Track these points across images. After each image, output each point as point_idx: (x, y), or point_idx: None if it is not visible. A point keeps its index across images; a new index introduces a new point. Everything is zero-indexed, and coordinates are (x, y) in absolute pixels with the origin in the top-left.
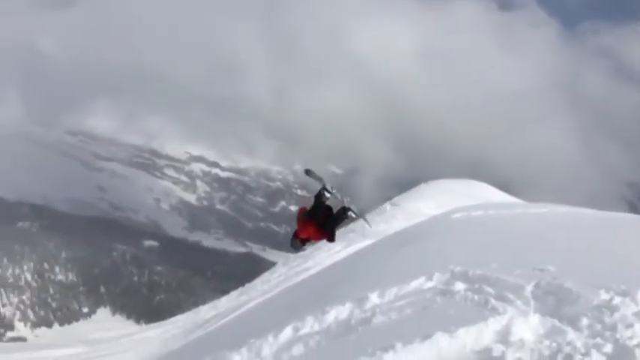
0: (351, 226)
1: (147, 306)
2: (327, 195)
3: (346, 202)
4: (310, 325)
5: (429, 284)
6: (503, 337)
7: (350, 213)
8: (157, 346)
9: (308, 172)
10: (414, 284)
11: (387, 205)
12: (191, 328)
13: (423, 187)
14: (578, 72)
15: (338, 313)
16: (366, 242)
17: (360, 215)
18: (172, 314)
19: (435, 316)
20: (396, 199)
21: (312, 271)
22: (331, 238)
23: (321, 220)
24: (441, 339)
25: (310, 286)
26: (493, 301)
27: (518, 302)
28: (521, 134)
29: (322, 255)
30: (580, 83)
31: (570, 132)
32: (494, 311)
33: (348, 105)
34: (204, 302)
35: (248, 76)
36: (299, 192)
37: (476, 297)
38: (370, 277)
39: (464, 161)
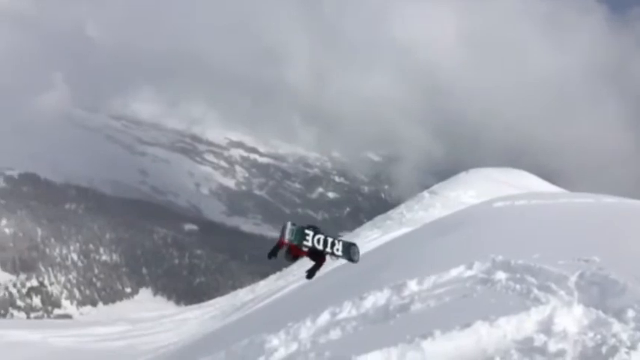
0: (388, 213)
1: (187, 288)
2: (304, 249)
3: (327, 251)
4: (348, 310)
5: (469, 273)
6: (546, 327)
7: (331, 257)
8: (196, 327)
9: (284, 229)
10: (454, 272)
11: (426, 193)
12: (229, 311)
13: (463, 175)
14: (628, 58)
15: (376, 299)
16: (403, 230)
17: (344, 254)
18: (211, 297)
19: (474, 305)
20: (435, 187)
21: None
22: (311, 274)
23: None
24: (480, 327)
25: (348, 272)
26: (535, 291)
27: (562, 293)
28: (567, 122)
29: (359, 242)
30: (630, 70)
31: (618, 120)
32: (537, 301)
33: (388, 91)
34: (242, 285)
35: (288, 62)
36: (337, 179)
37: (518, 286)
38: (408, 265)
39: (506, 149)
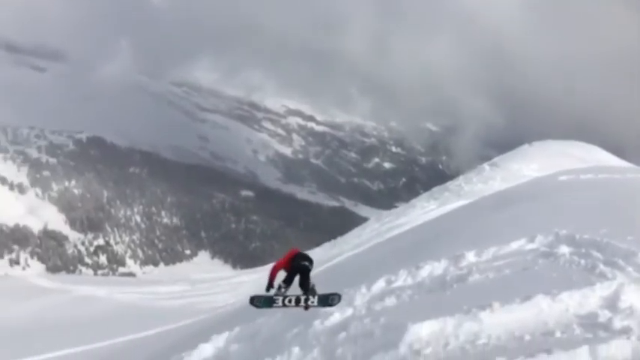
0: (446, 184)
1: (243, 252)
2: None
3: (301, 305)
4: (403, 278)
5: (531, 246)
6: (611, 303)
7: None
8: (251, 290)
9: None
10: (514, 245)
11: (486, 165)
12: (284, 276)
13: (525, 147)
14: None
15: (432, 269)
16: (461, 202)
17: (321, 303)
18: (266, 262)
19: (536, 278)
20: (495, 160)
21: (405, 228)
22: (307, 308)
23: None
24: (542, 301)
25: (404, 241)
26: (601, 267)
27: (630, 269)
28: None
29: (416, 212)
30: None
31: None
32: (602, 277)
33: (449, 59)
34: None
35: (348, 29)
36: (393, 149)
37: (582, 261)
38: (467, 236)
39: (573, 121)
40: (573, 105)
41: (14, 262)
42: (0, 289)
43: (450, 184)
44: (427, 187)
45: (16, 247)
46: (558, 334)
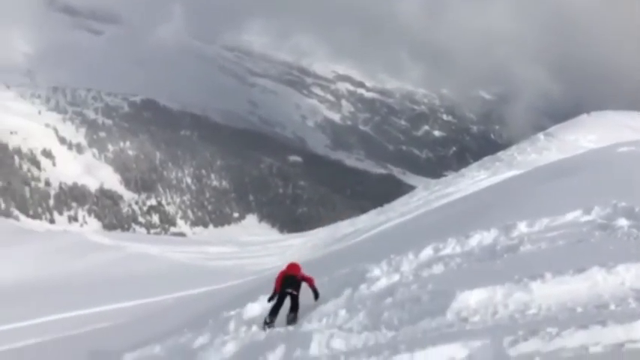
0: (498, 154)
1: (290, 217)
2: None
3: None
4: (452, 247)
5: (587, 218)
6: None
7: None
8: (298, 254)
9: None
10: (569, 217)
11: (541, 135)
12: (330, 241)
13: (583, 118)
14: None
15: (482, 238)
16: (513, 172)
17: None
18: (312, 227)
19: (591, 250)
20: (551, 130)
21: (454, 197)
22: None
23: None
24: (596, 273)
25: (453, 210)
26: None
27: None
28: None
29: (465, 182)
30: None
31: None
32: None
33: (504, 24)
34: (342, 218)
35: None
36: (444, 117)
37: None
38: (518, 206)
39: (634, 92)
40: (635, 74)
41: (73, 219)
42: (60, 245)
43: (502, 154)
44: (478, 157)
45: (74, 204)
46: (613, 307)
